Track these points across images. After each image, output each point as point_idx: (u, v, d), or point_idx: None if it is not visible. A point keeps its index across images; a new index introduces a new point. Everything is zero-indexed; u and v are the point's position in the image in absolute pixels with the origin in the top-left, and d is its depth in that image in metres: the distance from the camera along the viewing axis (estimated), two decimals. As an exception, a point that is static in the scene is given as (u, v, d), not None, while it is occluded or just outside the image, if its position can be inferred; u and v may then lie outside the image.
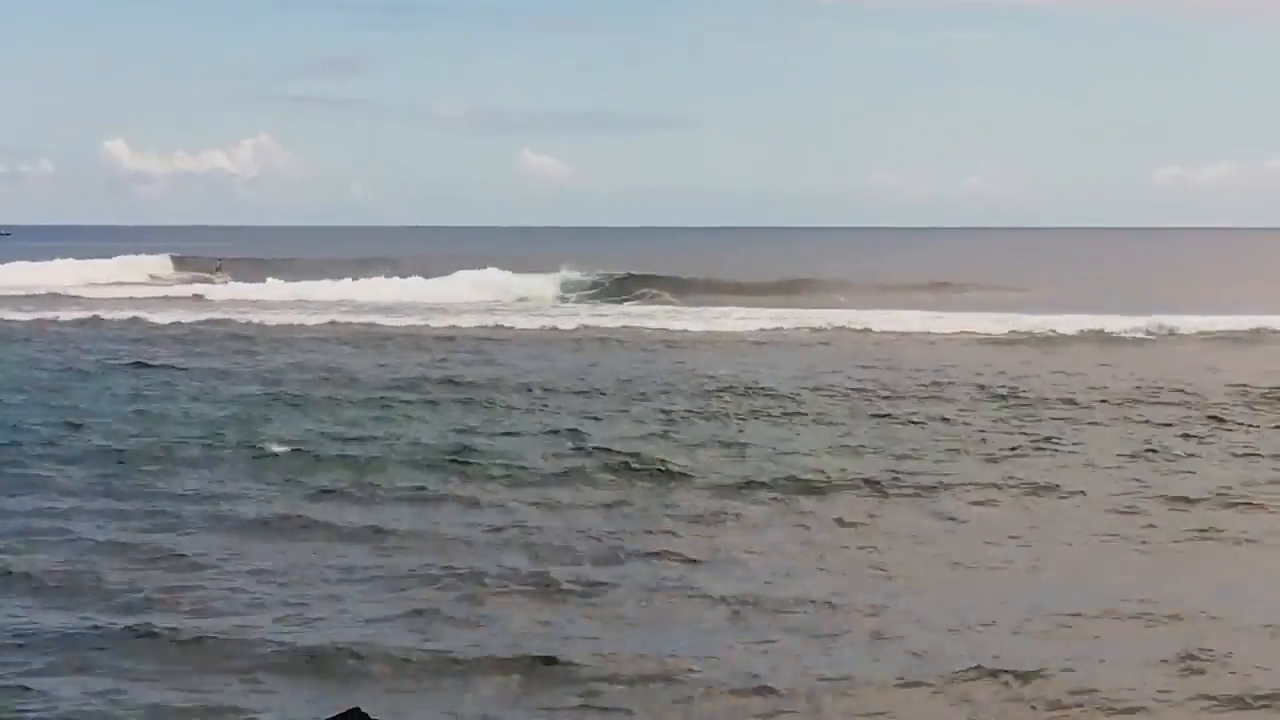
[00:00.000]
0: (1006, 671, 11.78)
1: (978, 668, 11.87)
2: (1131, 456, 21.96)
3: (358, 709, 9.55)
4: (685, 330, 45.88)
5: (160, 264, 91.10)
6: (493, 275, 68.80)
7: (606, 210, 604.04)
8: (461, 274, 68.64)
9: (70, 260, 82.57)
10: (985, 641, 12.72)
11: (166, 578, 14.83)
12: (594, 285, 69.85)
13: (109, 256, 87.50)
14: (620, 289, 67.79)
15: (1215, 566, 15.45)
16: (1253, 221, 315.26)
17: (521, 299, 63.09)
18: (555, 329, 46.20)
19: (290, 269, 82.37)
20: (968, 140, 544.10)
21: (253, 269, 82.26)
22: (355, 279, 67.49)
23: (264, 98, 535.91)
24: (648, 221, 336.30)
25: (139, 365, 34.35)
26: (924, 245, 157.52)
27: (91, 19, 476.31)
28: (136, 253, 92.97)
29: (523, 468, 20.80)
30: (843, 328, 45.47)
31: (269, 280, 69.57)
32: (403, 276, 67.99)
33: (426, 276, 67.56)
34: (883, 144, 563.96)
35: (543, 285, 68.02)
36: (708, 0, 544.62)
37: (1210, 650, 12.27)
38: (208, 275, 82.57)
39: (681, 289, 66.63)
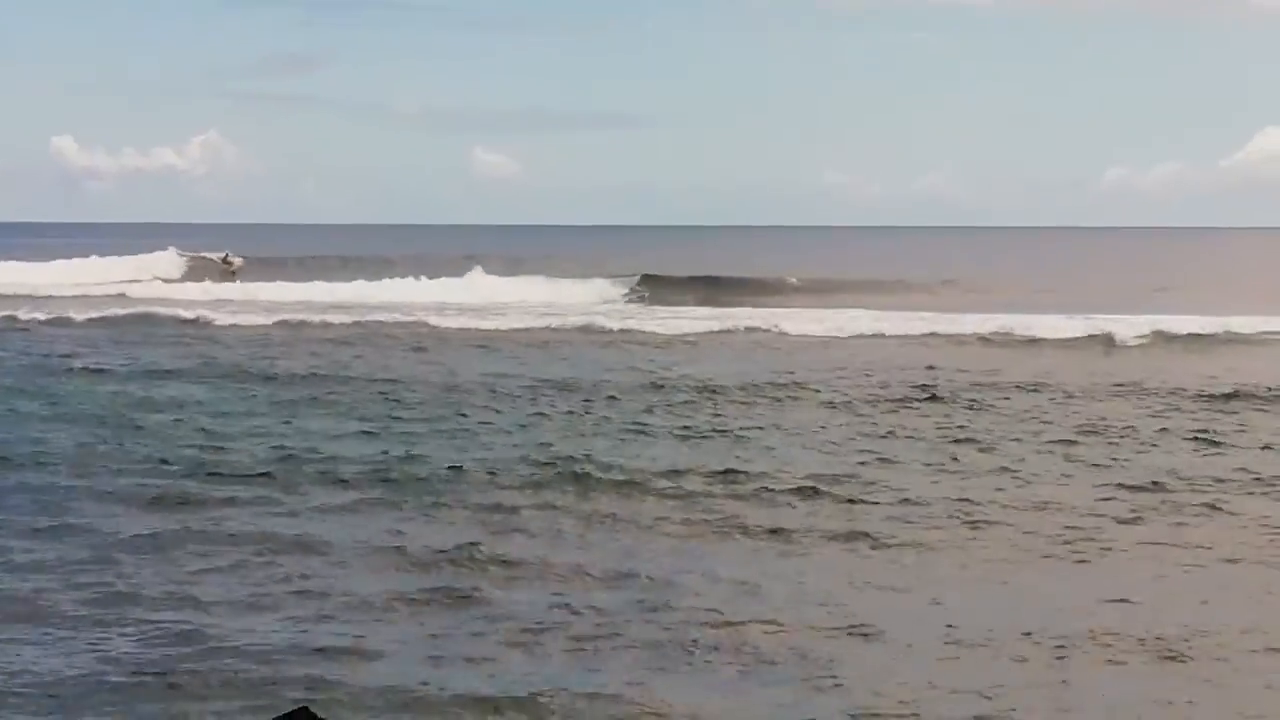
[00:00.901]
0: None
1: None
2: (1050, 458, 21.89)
3: (305, 708, 9.55)
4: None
5: (170, 260, 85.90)
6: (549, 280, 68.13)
7: (558, 209, 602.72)
8: (529, 278, 68.36)
9: (78, 260, 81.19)
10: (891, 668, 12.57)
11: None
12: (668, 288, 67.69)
13: (66, 253, 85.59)
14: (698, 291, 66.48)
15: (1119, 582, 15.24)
16: (1203, 221, 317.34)
17: (605, 305, 61.17)
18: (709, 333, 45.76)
19: (300, 268, 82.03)
20: (921, 140, 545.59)
21: (262, 268, 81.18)
22: (417, 278, 66.83)
23: (213, 94, 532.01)
24: (598, 220, 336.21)
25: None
26: (894, 244, 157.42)
27: (36, 14, 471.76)
28: (92, 249, 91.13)
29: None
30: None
31: (316, 282, 67.40)
32: (429, 276, 67.21)
33: (431, 277, 67.13)
34: (836, 143, 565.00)
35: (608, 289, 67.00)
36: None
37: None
38: (227, 270, 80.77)
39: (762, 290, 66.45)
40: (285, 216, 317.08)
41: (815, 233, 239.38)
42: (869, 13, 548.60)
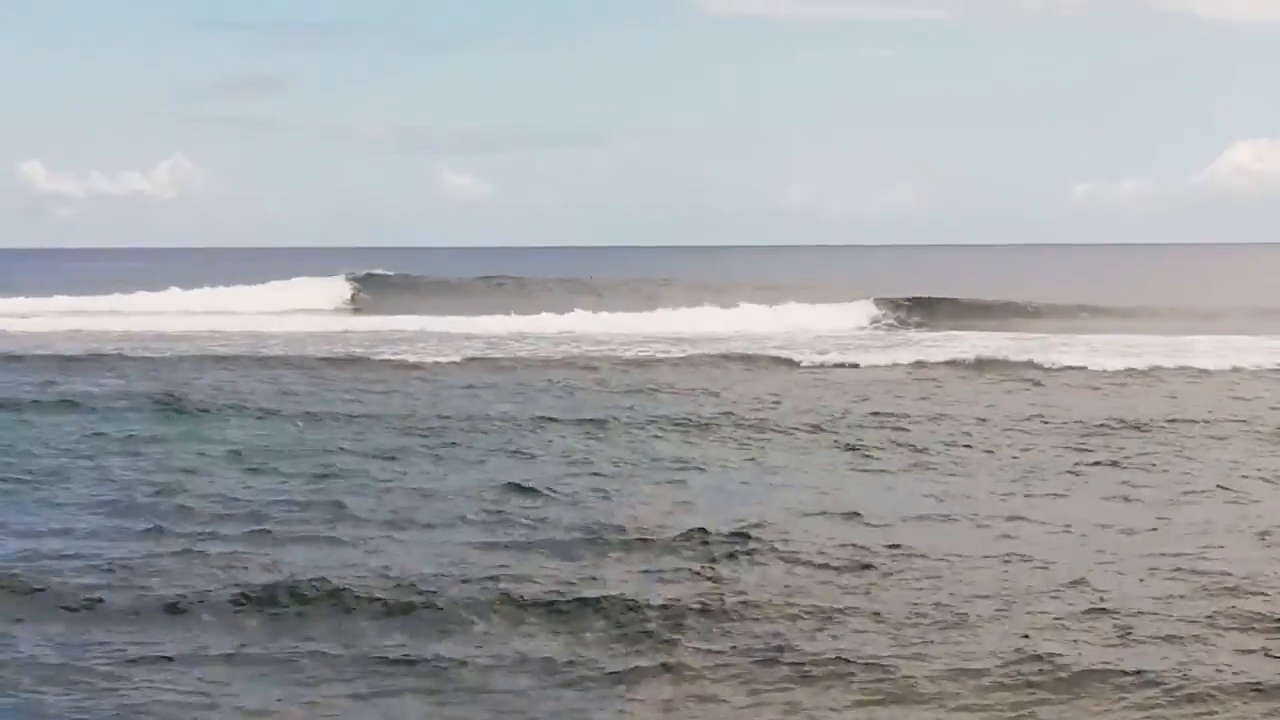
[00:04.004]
0: None
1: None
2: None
3: None
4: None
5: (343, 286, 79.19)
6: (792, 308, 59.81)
7: (527, 229, 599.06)
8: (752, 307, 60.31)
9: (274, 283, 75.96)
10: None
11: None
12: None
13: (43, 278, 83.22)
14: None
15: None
16: (1173, 237, 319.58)
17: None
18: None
19: (418, 290, 78.29)
20: (885, 157, 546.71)
21: (391, 293, 76.48)
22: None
23: (181, 118, 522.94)
24: (567, 241, 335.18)
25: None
26: (903, 263, 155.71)
27: (1, 38, 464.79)
28: (63, 274, 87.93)
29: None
30: None
31: (510, 314, 57.45)
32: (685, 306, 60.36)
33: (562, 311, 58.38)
34: (798, 161, 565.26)
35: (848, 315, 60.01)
36: (625, 17, 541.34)
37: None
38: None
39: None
40: (255, 240, 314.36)
41: (806, 252, 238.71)
42: (833, 30, 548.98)
